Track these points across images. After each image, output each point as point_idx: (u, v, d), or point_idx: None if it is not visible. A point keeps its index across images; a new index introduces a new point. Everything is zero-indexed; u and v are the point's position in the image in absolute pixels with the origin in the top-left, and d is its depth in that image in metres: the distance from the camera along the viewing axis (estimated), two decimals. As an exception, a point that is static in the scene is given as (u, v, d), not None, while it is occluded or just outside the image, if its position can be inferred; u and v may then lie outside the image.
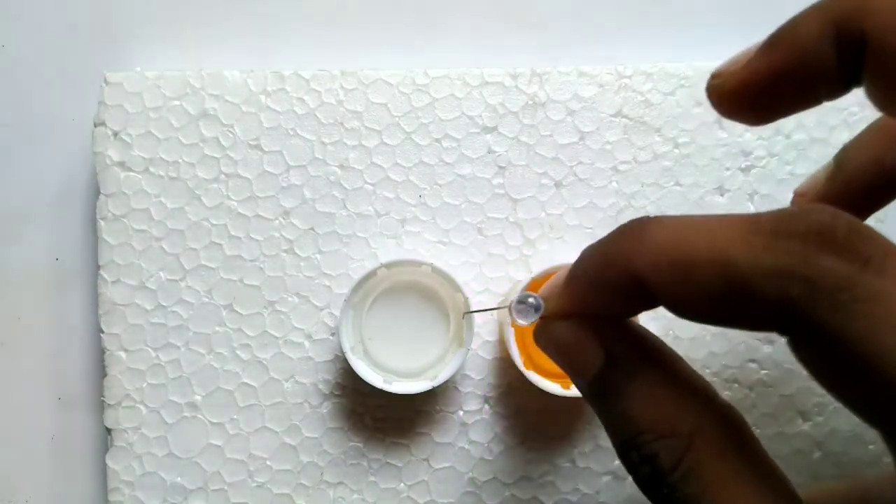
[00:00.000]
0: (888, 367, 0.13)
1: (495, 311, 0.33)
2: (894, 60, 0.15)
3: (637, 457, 0.16)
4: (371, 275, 0.30)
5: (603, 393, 0.17)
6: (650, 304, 0.16)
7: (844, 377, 0.14)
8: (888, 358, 0.13)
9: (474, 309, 0.30)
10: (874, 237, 0.13)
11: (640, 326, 0.18)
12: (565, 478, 0.33)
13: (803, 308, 0.13)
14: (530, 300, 0.20)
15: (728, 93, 0.18)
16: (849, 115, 0.34)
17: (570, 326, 0.18)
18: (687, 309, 0.15)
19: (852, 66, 0.16)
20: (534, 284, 0.30)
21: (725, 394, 0.33)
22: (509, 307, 0.20)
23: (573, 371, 0.18)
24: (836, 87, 0.17)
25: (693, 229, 0.15)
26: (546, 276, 0.30)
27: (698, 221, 0.15)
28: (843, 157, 0.23)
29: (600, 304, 0.17)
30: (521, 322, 0.20)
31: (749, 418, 0.33)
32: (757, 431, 0.34)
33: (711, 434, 0.15)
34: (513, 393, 0.33)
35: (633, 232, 0.16)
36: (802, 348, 0.14)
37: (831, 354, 0.13)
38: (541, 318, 0.19)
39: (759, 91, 0.17)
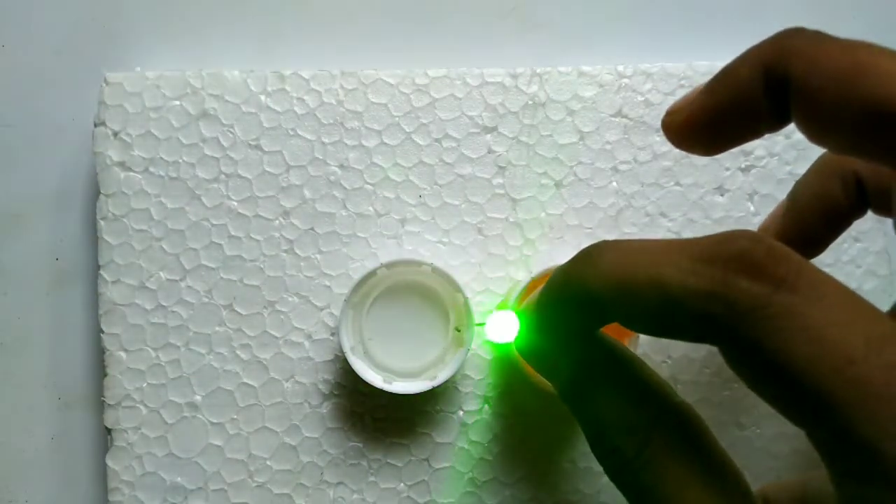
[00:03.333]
0: (802, 374, 0.14)
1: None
2: (814, 99, 0.17)
3: (604, 449, 0.18)
4: (371, 275, 0.30)
5: (575, 396, 0.19)
6: (608, 320, 0.18)
7: (768, 385, 0.15)
8: (801, 366, 0.14)
9: (470, 312, 0.30)
10: (789, 259, 0.15)
11: (607, 336, 0.20)
12: (565, 478, 0.33)
13: (726, 325, 0.15)
14: (506, 320, 0.22)
15: (677, 128, 0.20)
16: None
17: (544, 338, 0.20)
18: (633, 324, 0.17)
19: (781, 104, 0.18)
20: (534, 284, 0.30)
21: (725, 394, 0.33)
22: (485, 325, 0.22)
23: (549, 378, 0.21)
24: (769, 123, 0.19)
25: (637, 253, 0.17)
26: (546, 276, 0.30)
27: (642, 246, 0.17)
28: (795, 193, 0.26)
29: (566, 320, 0.19)
30: (499, 340, 0.22)
31: (749, 418, 0.33)
32: (757, 431, 0.34)
33: (666, 430, 0.17)
34: (513, 393, 0.33)
35: (590, 256, 0.18)
36: (728, 357, 0.16)
37: (754, 366, 0.15)
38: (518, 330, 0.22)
39: (702, 127, 0.20)
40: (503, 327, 0.25)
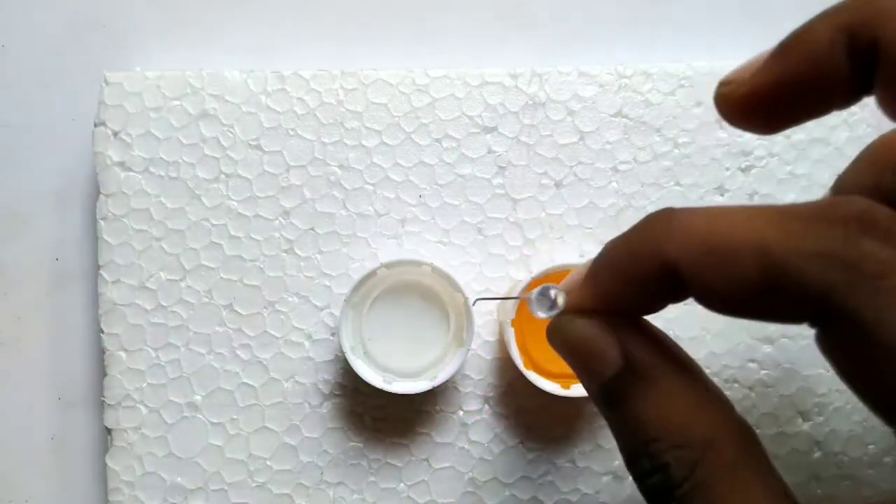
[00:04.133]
0: None
1: (496, 312, 0.33)
2: None
3: (648, 465, 0.15)
4: (371, 275, 0.30)
5: (616, 396, 0.16)
6: (679, 297, 0.15)
7: (873, 371, 0.13)
8: None
9: (483, 299, 0.29)
10: None
11: (658, 329, 0.17)
12: (565, 478, 0.33)
13: (842, 294, 0.13)
14: (551, 292, 0.18)
15: (738, 101, 0.17)
16: (849, 115, 0.34)
17: (588, 325, 0.17)
18: (720, 298, 0.14)
19: (864, 74, 0.16)
20: (534, 284, 0.30)
21: (725, 394, 0.33)
22: (528, 298, 0.19)
23: (587, 372, 0.17)
24: (847, 96, 0.16)
25: (727, 216, 0.14)
26: (546, 276, 0.30)
27: (732, 209, 0.14)
28: (840, 188, 0.23)
29: (626, 298, 0.16)
30: (541, 315, 0.19)
31: (749, 418, 0.33)
32: (757, 431, 0.33)
33: (725, 447, 0.15)
34: (513, 393, 0.33)
35: (663, 220, 0.15)
36: (833, 339, 0.14)
37: (864, 345, 0.13)
38: (559, 313, 0.18)
39: (770, 99, 0.17)
40: (545, 301, 0.20)
